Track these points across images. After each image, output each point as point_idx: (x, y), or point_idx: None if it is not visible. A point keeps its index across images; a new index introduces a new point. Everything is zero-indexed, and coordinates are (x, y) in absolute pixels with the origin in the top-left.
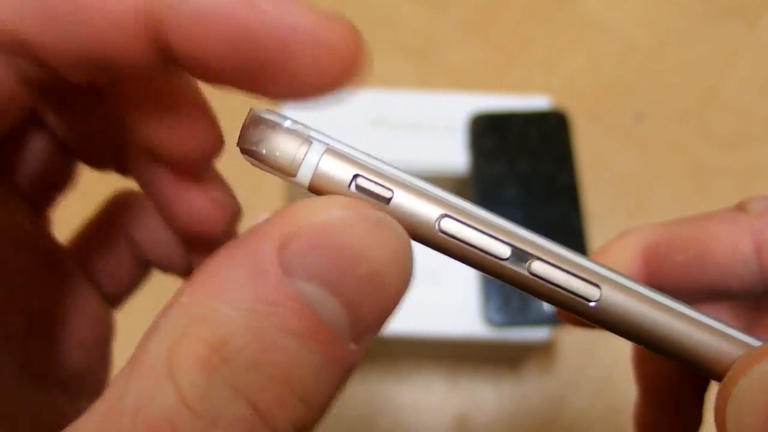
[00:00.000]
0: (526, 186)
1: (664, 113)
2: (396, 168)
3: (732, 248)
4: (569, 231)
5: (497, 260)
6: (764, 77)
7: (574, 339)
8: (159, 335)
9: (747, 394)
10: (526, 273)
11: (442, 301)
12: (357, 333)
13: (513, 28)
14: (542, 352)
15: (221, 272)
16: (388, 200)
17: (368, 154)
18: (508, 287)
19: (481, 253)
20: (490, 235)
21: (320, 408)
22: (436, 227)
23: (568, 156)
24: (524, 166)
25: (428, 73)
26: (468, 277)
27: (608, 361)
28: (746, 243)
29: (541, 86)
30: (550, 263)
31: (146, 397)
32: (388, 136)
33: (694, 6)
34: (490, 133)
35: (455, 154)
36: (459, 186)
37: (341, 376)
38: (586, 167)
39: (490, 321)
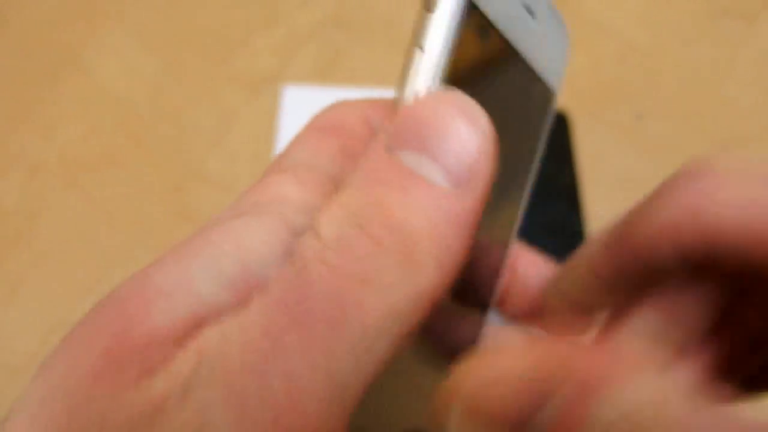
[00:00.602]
0: None
1: (664, 113)
2: None
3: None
4: (569, 231)
5: None
6: (764, 77)
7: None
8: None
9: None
10: None
11: None
12: (455, 179)
13: None
14: None
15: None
16: None
17: None
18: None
19: None
20: None
21: (435, 249)
22: None
23: (568, 156)
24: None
25: None
26: None
27: None
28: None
29: None
30: None
31: (298, 250)
32: None
33: (694, 6)
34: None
35: None
36: None
37: (460, 220)
38: (586, 167)
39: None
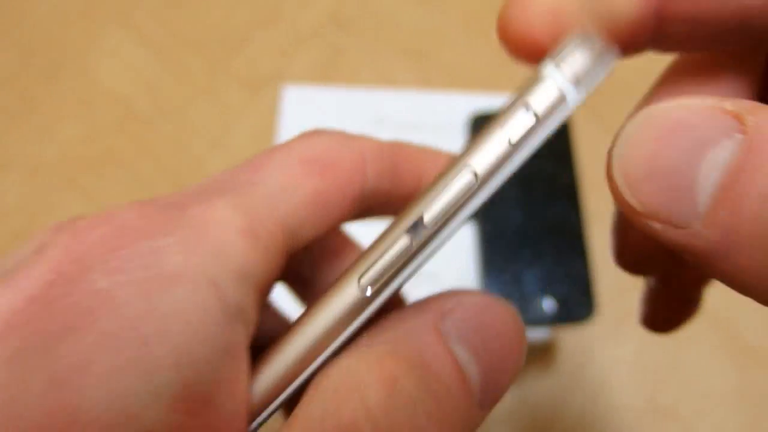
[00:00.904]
0: (526, 186)
1: None
2: None
3: None
4: (569, 231)
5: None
6: None
7: (574, 339)
8: (339, 364)
9: (630, 131)
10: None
11: None
12: (484, 398)
13: None
14: (541, 352)
15: (398, 325)
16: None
17: None
18: (508, 287)
19: None
20: None
21: None
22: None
23: (568, 156)
24: (524, 166)
25: (428, 72)
26: (467, 278)
27: (608, 361)
28: None
29: None
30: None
31: (332, 408)
32: (388, 136)
33: None
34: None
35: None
36: None
37: (470, 424)
38: (586, 167)
39: None
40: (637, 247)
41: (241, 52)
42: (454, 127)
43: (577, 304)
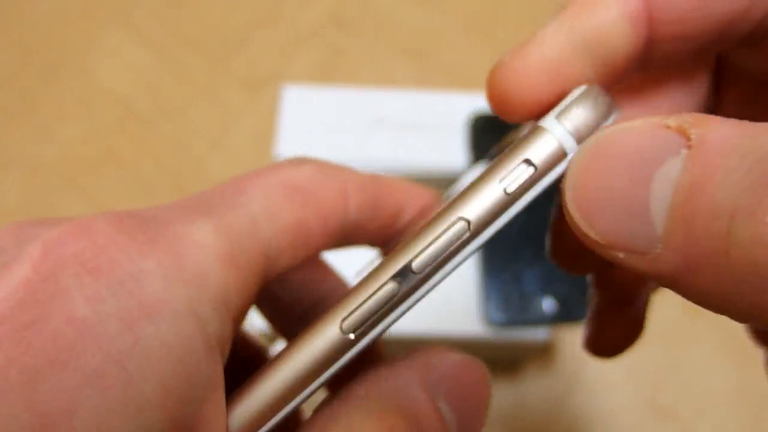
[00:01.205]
0: None
1: None
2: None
3: None
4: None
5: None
6: None
7: (574, 339)
8: (340, 422)
9: (577, 161)
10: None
11: (441, 301)
12: None
13: (513, 28)
14: (541, 352)
15: (390, 378)
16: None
17: None
18: (508, 287)
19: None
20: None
21: None
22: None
23: None
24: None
25: (428, 73)
26: (467, 277)
27: (607, 362)
28: None
29: None
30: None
31: None
32: (388, 136)
33: None
34: (490, 133)
35: (455, 154)
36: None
37: None
38: None
39: (490, 321)
40: (571, 246)
41: (241, 52)
42: (453, 127)
43: (577, 304)
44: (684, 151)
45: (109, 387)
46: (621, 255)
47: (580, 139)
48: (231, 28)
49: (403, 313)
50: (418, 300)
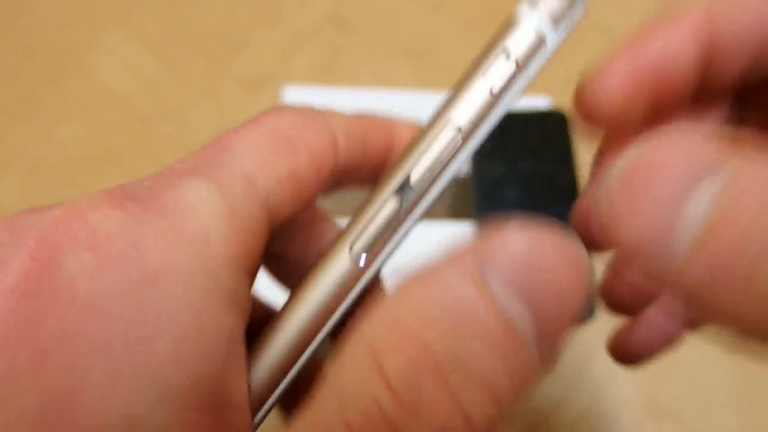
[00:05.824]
0: (526, 186)
1: None
2: None
3: None
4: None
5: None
6: None
7: (574, 339)
8: (362, 330)
9: (616, 172)
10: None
11: None
12: (541, 343)
13: None
14: None
15: (428, 279)
16: None
17: None
18: None
19: None
20: None
21: (509, 410)
22: None
23: (568, 156)
24: (524, 166)
25: (428, 73)
26: None
27: (608, 361)
28: None
29: (541, 86)
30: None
31: (353, 384)
32: None
33: None
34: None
35: None
36: (459, 186)
37: (529, 381)
38: (586, 167)
39: None
40: (627, 291)
41: (241, 52)
42: None
43: None
44: (722, 175)
45: (115, 354)
46: (646, 264)
47: (557, 24)
48: (231, 28)
49: (408, 230)
50: (420, 214)
